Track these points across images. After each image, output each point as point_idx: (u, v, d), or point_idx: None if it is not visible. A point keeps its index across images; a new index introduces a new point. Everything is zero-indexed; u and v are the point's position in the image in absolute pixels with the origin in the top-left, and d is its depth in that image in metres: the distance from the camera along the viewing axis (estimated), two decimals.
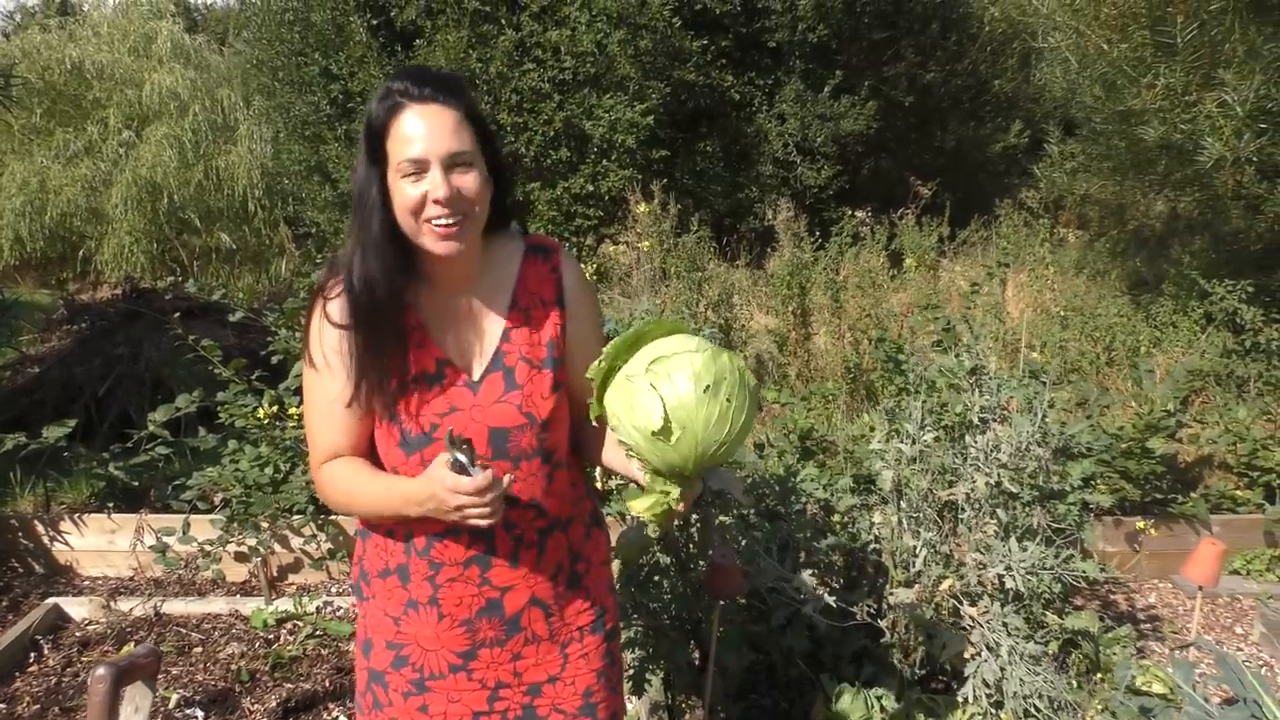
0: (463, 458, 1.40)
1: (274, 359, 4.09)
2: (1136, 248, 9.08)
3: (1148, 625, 3.86)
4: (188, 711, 3.03)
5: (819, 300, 6.53)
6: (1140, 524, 4.04)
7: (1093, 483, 3.58)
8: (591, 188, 9.72)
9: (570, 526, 1.71)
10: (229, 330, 6.35)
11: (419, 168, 1.44)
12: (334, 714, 3.07)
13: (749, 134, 11.07)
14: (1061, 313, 7.18)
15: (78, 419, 4.22)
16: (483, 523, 1.42)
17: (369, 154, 1.49)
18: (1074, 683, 2.58)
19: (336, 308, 1.55)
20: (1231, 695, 2.17)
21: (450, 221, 1.47)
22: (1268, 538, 4.31)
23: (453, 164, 1.46)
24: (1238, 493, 4.48)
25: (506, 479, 1.45)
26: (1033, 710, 2.21)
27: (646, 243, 5.99)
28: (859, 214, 9.96)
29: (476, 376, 1.60)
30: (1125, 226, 9.56)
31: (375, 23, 10.05)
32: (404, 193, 1.46)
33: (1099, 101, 6.51)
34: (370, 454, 1.64)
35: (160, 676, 3.25)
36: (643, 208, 6.14)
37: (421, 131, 1.44)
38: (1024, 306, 7.76)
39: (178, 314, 4.52)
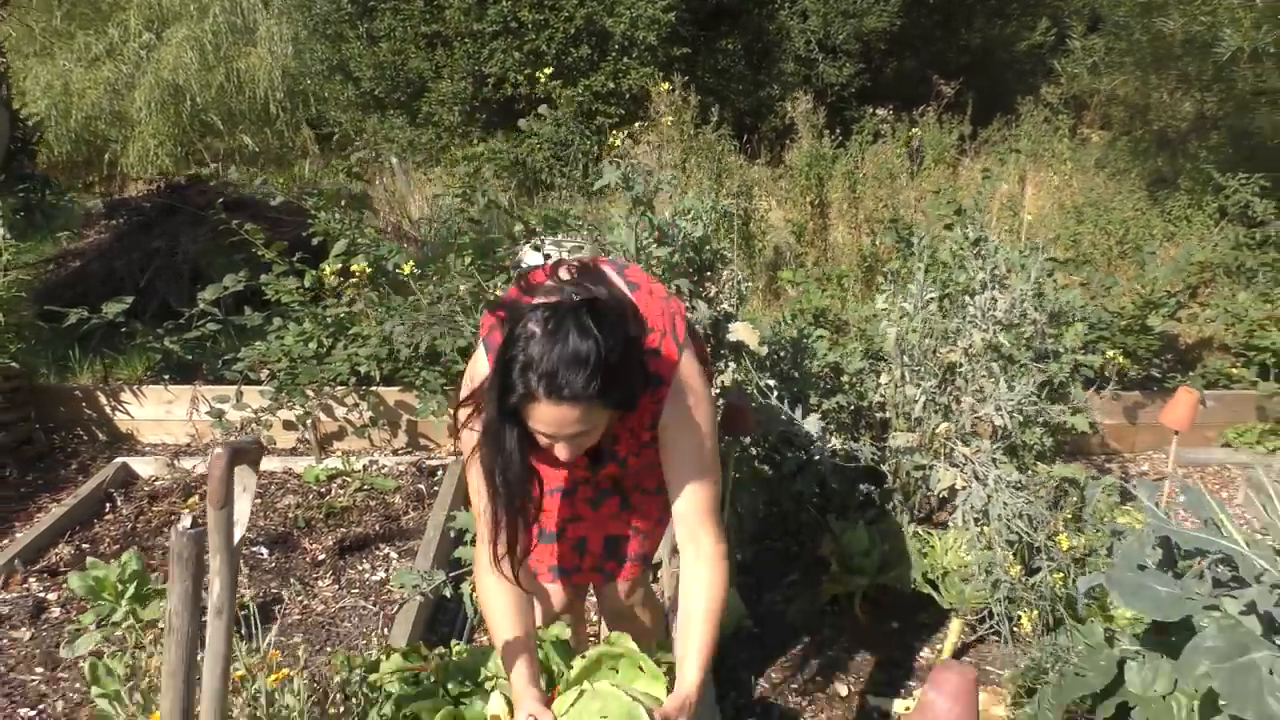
0: None
1: (314, 240, 4.31)
2: (1159, 147, 9.06)
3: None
4: (254, 549, 3.35)
5: (836, 194, 6.65)
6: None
7: (1089, 345, 3.76)
8: (612, 85, 9.75)
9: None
10: (263, 223, 6.57)
11: (550, 438, 1.61)
12: (385, 552, 3.38)
13: (770, 31, 10.99)
14: (1077, 208, 7.26)
15: (132, 298, 4.48)
16: None
17: (505, 408, 1.58)
18: (1061, 523, 2.82)
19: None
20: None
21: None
22: (1259, 412, 4.51)
23: (578, 436, 1.61)
24: (1233, 371, 4.68)
25: None
26: (1014, 528, 2.47)
27: (669, 118, 6.09)
28: (880, 112, 9.96)
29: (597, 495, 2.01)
30: (1150, 127, 9.51)
31: None
32: (539, 437, 1.62)
33: None
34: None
35: None
36: (665, 86, 6.23)
37: (551, 421, 1.55)
38: (1042, 204, 7.84)
39: (222, 200, 4.73)
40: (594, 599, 2.60)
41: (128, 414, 4.39)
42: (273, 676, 1.88)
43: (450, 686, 2.04)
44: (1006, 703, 2.58)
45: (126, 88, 10.45)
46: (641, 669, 1.79)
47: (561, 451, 1.63)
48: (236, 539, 1.62)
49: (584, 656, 1.84)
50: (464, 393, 1.80)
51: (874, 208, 6.47)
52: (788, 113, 8.21)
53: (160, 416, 4.38)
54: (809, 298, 4.55)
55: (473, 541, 2.73)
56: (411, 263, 3.90)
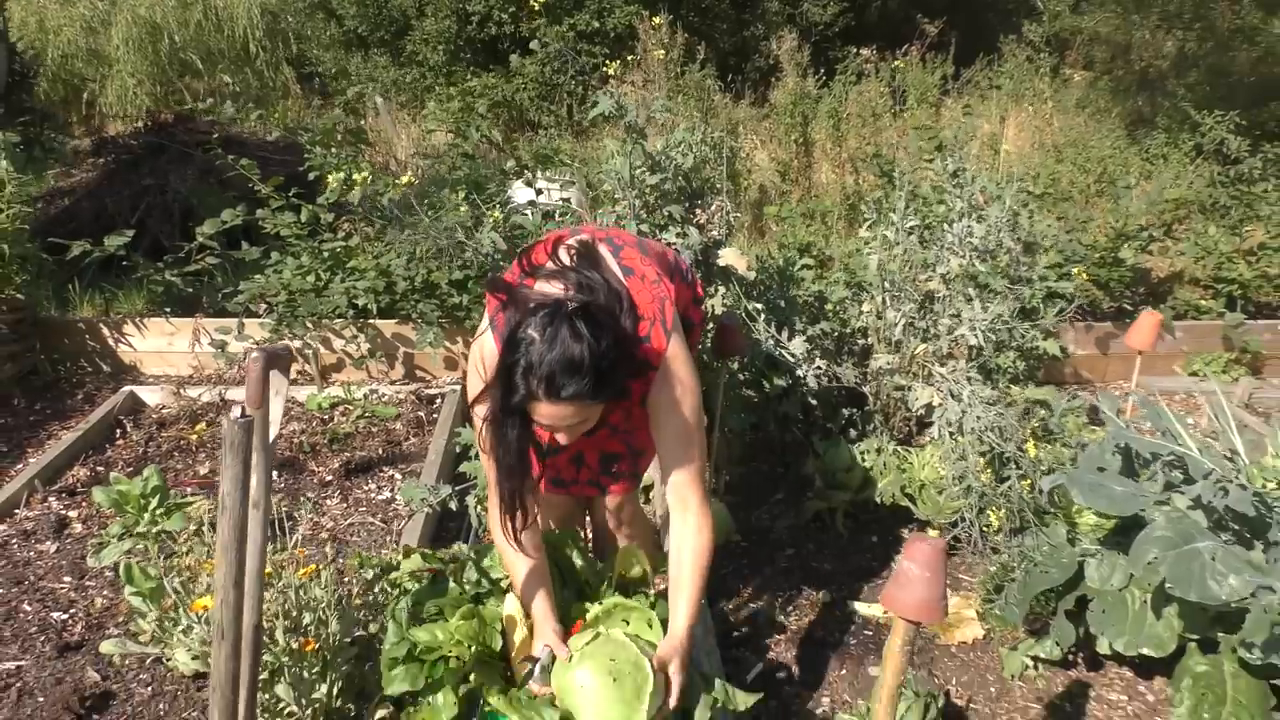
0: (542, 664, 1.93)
1: (310, 176, 4.38)
2: (1140, 87, 9.16)
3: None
4: None
5: (821, 133, 6.74)
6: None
7: (1059, 270, 3.92)
8: (597, 24, 9.72)
9: None
10: (254, 161, 6.61)
11: (550, 429, 1.81)
12: (389, 473, 3.54)
13: None
14: (1057, 147, 7.38)
15: (133, 231, 4.56)
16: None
17: (508, 407, 1.75)
18: (1030, 440, 3.00)
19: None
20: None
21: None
22: (1225, 342, 4.69)
23: (576, 426, 1.80)
24: (1202, 302, 4.85)
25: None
26: (986, 440, 2.63)
27: (659, 52, 6.13)
28: (864, 52, 9.99)
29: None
30: (1132, 66, 9.59)
31: None
32: (540, 425, 1.81)
33: None
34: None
35: None
36: (657, 20, 6.27)
37: (551, 416, 1.74)
38: (1023, 144, 7.96)
39: (217, 136, 4.78)
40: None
41: (130, 346, 4.50)
42: (302, 570, 2.03)
43: (467, 587, 2.19)
44: (977, 605, 2.78)
45: (103, 25, 10.30)
46: (650, 625, 2.02)
47: (562, 437, 1.85)
48: (272, 437, 1.76)
49: (601, 603, 2.08)
50: (473, 371, 1.97)
51: (858, 146, 6.57)
52: (772, 52, 8.24)
53: (162, 348, 4.49)
54: (793, 232, 4.68)
55: (477, 456, 2.90)
56: (410, 175, 3.97)
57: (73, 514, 3.20)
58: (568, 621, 2.10)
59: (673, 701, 1.91)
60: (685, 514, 1.98)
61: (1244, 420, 3.84)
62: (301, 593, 2.04)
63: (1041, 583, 2.34)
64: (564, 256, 1.87)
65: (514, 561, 2.03)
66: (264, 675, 1.94)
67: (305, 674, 1.94)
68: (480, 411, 1.89)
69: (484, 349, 1.94)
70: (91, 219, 6.58)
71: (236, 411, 1.46)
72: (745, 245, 6.25)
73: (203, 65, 10.76)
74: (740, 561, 3.14)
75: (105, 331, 4.49)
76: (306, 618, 2.01)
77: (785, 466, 3.62)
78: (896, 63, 7.85)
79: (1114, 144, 7.45)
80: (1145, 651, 2.21)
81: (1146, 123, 8.18)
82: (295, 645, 1.94)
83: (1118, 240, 4.56)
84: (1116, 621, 2.25)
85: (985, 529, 2.73)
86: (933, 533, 2.89)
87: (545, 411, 1.73)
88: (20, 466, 3.60)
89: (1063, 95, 8.84)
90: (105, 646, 2.43)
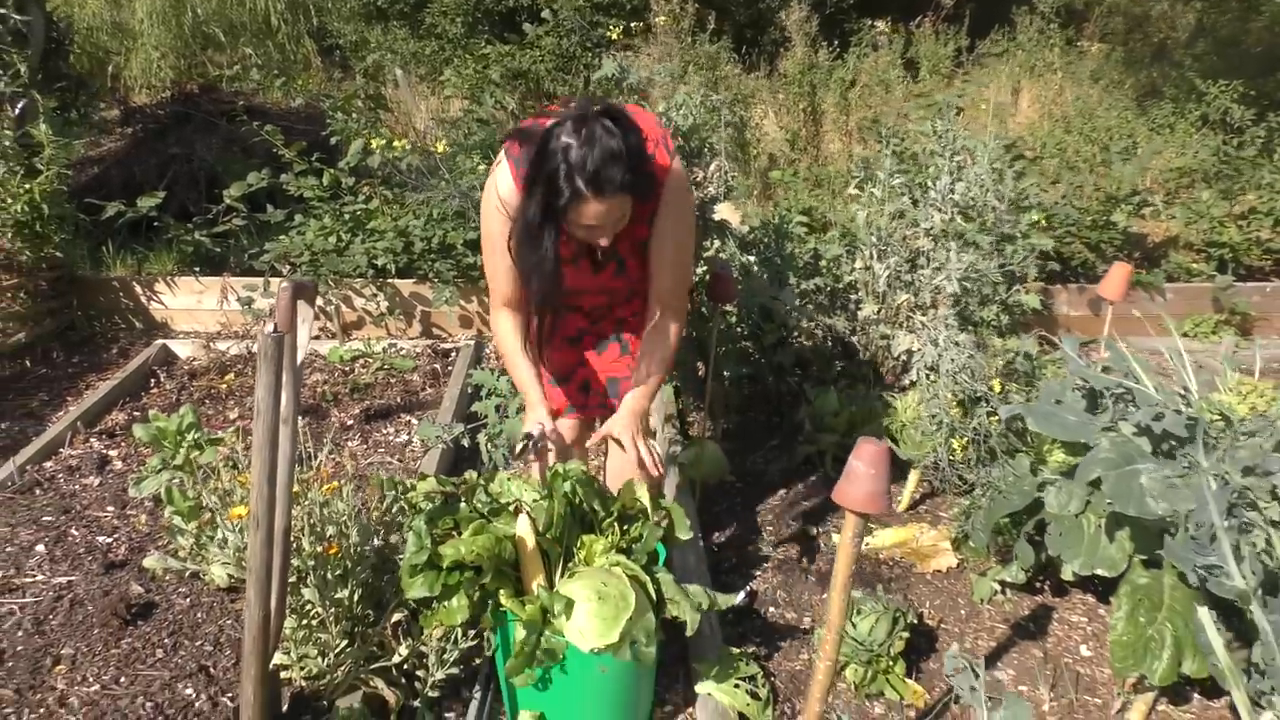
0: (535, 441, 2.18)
1: (332, 141, 4.58)
2: (1154, 59, 9.19)
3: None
4: None
5: (829, 104, 6.87)
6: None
7: (1049, 233, 4.09)
8: None
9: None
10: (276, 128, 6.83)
11: (589, 230, 1.93)
12: (406, 419, 3.76)
13: None
14: (1066, 118, 7.47)
15: (164, 193, 4.79)
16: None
17: (547, 211, 1.89)
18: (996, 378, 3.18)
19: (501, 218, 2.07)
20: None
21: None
22: (1215, 304, 4.84)
23: (615, 224, 1.94)
24: (1194, 265, 4.99)
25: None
26: (960, 380, 2.81)
27: (662, 18, 6.28)
28: (879, 24, 10.04)
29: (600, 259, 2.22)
30: (1149, 39, 9.62)
31: None
32: (577, 233, 1.96)
33: None
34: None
35: None
36: None
37: (597, 216, 1.87)
38: (1035, 116, 8.04)
39: (242, 105, 4.99)
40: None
41: (162, 304, 4.75)
42: (325, 487, 2.24)
43: (479, 505, 2.40)
44: (950, 533, 2.98)
45: None
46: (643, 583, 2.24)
47: (602, 240, 1.98)
48: (299, 360, 1.96)
49: (608, 557, 2.29)
50: (488, 210, 2.12)
51: (864, 116, 6.70)
52: (783, 23, 8.36)
53: (192, 306, 4.72)
54: (796, 197, 4.84)
55: (488, 396, 3.11)
56: (444, 143, 4.16)
57: (113, 453, 3.46)
58: (571, 546, 2.32)
59: (630, 456, 2.15)
60: (666, 313, 2.23)
61: (1203, 363, 4.00)
62: (325, 507, 2.26)
63: (1004, 508, 2.53)
64: (562, 107, 2.00)
65: (512, 347, 2.26)
66: (291, 579, 2.16)
67: (329, 576, 2.16)
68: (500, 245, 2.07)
69: (498, 184, 2.08)
70: (120, 186, 6.81)
71: (270, 327, 1.67)
72: (752, 211, 6.42)
73: (225, 38, 10.95)
74: (733, 500, 3.34)
75: (138, 289, 4.73)
76: (330, 530, 2.23)
77: (780, 416, 3.81)
78: (888, 28, 7.94)
79: (1120, 114, 7.53)
80: (1099, 572, 2.39)
81: (1158, 94, 8.23)
82: (319, 550, 2.15)
83: (1109, 204, 4.69)
84: (1073, 544, 2.43)
85: (952, 458, 2.91)
86: (914, 475, 3.09)
87: (591, 211, 1.86)
88: (62, 413, 3.85)
89: (1076, 67, 8.89)
90: (148, 562, 2.67)
